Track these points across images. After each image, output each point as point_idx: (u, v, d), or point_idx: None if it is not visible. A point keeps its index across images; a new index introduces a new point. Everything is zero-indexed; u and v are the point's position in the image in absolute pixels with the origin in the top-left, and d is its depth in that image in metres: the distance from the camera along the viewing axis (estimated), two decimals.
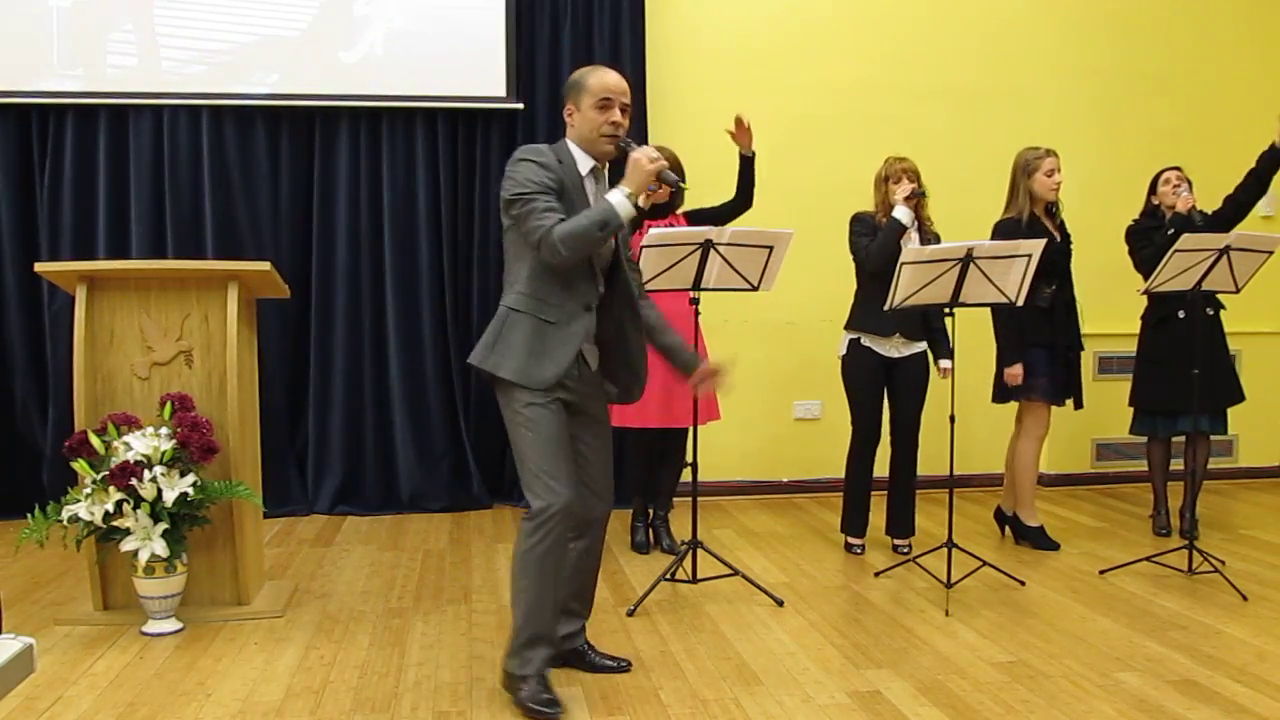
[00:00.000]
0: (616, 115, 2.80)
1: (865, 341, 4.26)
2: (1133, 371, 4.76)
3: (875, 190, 4.30)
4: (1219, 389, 4.54)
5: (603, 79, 2.82)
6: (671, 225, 4.30)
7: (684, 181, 4.09)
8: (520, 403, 2.76)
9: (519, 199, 2.73)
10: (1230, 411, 4.73)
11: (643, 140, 5.16)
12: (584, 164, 2.84)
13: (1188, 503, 4.55)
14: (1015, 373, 4.30)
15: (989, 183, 4.61)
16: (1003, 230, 4.31)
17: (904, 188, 4.17)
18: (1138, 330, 4.75)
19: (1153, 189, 4.63)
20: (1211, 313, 4.55)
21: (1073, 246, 4.48)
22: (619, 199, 2.71)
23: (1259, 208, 5.28)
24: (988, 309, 4.29)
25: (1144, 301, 4.66)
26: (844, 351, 4.32)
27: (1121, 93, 5.86)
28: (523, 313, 2.79)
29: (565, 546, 2.80)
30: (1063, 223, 4.44)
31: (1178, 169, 4.57)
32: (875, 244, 4.19)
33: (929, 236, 4.26)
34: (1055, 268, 4.25)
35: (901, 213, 4.15)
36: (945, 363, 4.25)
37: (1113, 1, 5.84)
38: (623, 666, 3.07)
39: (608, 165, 2.92)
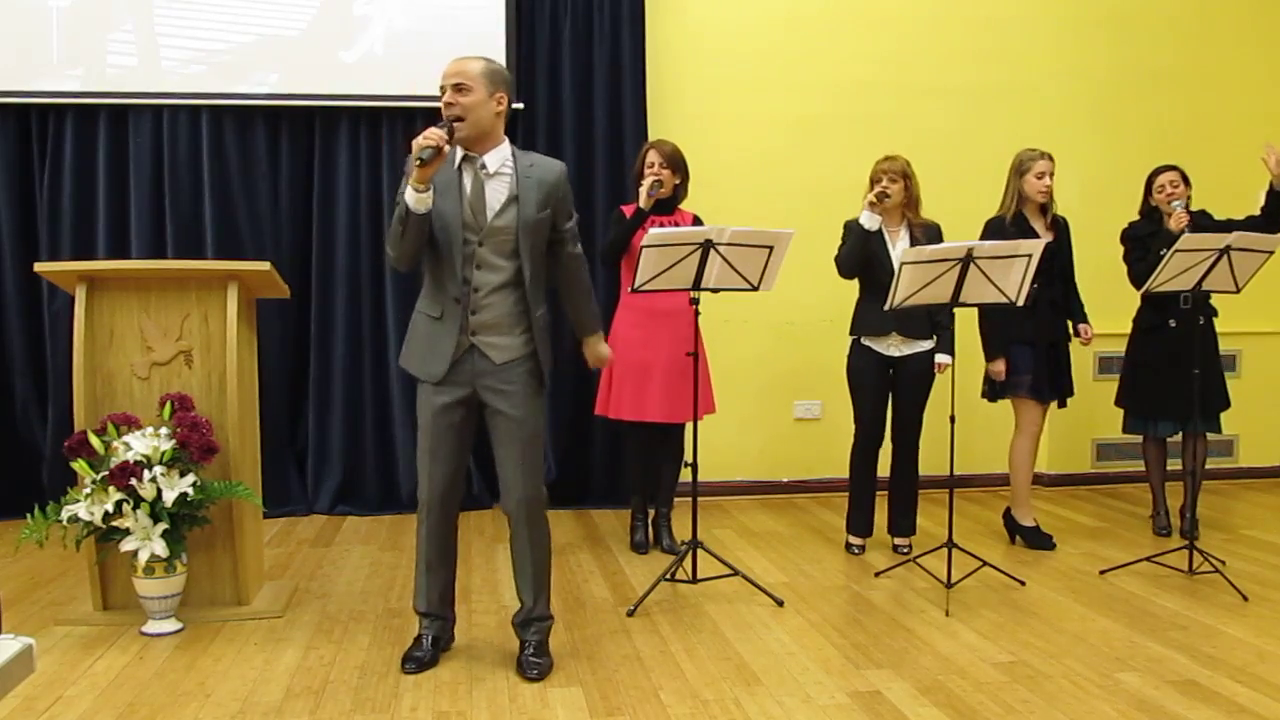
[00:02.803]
0: (448, 97, 2.88)
1: (866, 342, 4.27)
2: (1120, 373, 4.78)
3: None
4: (1207, 395, 4.53)
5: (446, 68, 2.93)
6: (675, 224, 4.29)
7: (657, 186, 4.14)
8: (420, 395, 3.04)
9: None
10: (1230, 411, 4.73)
11: (642, 139, 5.17)
12: (459, 155, 2.95)
13: (1187, 503, 4.56)
14: (998, 369, 4.34)
15: (989, 183, 4.61)
16: (988, 229, 4.36)
17: (873, 191, 4.17)
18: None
19: (1149, 189, 4.63)
20: (1203, 320, 4.55)
21: (1071, 244, 4.48)
22: (405, 190, 2.84)
23: (1259, 207, 5.26)
24: (974, 308, 4.30)
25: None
26: (849, 352, 4.33)
27: (1121, 92, 5.86)
28: (419, 311, 3.05)
29: (444, 533, 3.09)
30: (1056, 220, 4.44)
31: (1175, 170, 4.56)
32: (843, 250, 4.21)
33: (919, 236, 4.25)
34: (1042, 266, 4.25)
35: (865, 218, 4.16)
36: (943, 358, 4.26)
37: (1113, 1, 5.84)
38: (531, 676, 3.02)
39: (501, 150, 2.97)
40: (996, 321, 4.31)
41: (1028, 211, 4.40)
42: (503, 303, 2.94)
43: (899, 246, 4.17)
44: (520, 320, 2.97)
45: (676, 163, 4.32)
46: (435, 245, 2.94)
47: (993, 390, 4.47)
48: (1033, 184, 4.34)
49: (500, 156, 2.96)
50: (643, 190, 4.20)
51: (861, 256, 4.18)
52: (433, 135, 2.77)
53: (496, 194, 2.94)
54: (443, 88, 2.89)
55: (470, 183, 2.93)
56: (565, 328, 5.25)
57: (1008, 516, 4.65)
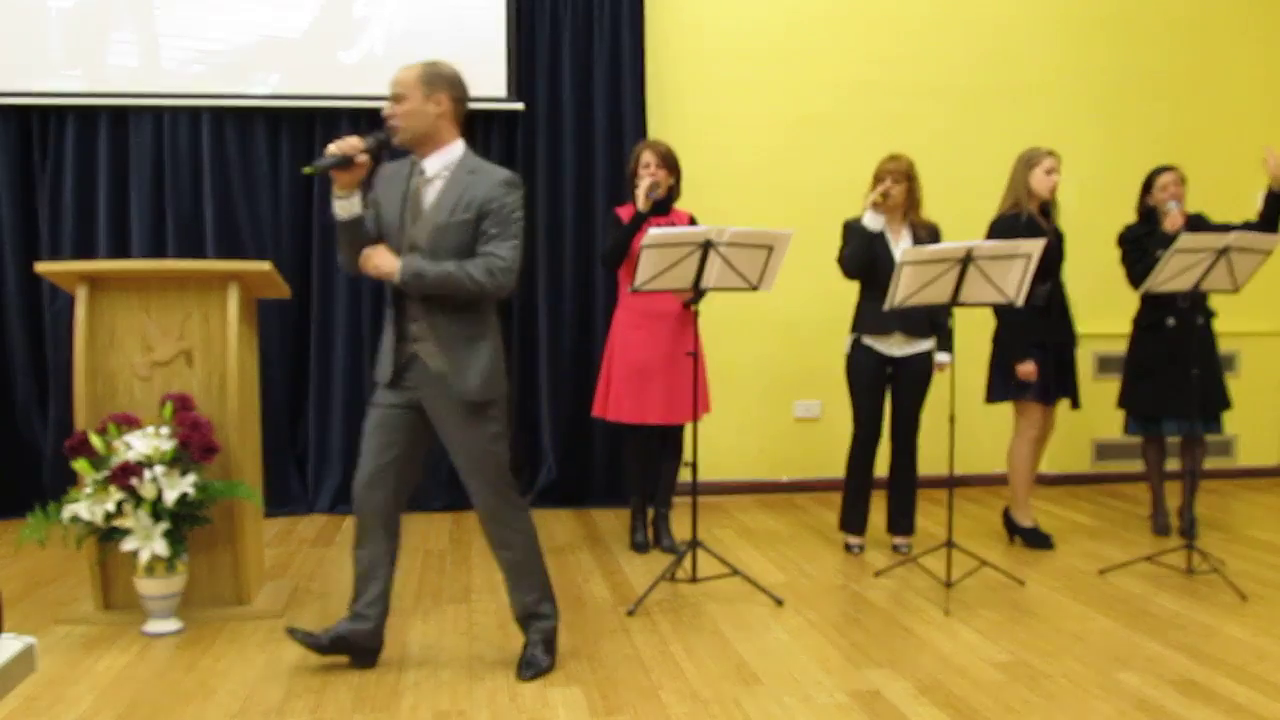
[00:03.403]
0: (385, 108, 2.91)
1: (867, 340, 4.27)
2: (1122, 374, 4.78)
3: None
4: (1207, 395, 4.54)
5: None
6: (671, 224, 4.29)
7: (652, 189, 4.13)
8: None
9: None
10: (1230, 411, 4.73)
11: (640, 137, 5.17)
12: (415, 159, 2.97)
13: (1186, 503, 4.57)
14: (1028, 369, 4.29)
15: (989, 183, 4.61)
16: (1001, 227, 4.32)
17: (875, 190, 4.18)
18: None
19: (1147, 189, 4.63)
20: (1202, 320, 4.55)
21: (1065, 247, 4.48)
22: (333, 200, 2.87)
23: (1258, 207, 5.27)
24: (989, 310, 4.30)
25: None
26: (848, 351, 4.33)
27: (1122, 93, 5.87)
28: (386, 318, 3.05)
29: (372, 533, 3.07)
30: (1055, 224, 4.45)
31: (1175, 171, 4.56)
32: (847, 251, 4.22)
33: (921, 235, 4.26)
34: (1051, 267, 4.26)
35: (869, 218, 4.17)
36: (943, 357, 4.27)
37: (1113, 2, 5.85)
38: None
39: (454, 152, 2.96)
40: (1017, 323, 4.29)
41: (1032, 209, 4.38)
42: (440, 311, 2.91)
43: (901, 246, 4.17)
44: (461, 330, 2.92)
45: (671, 162, 4.32)
46: None
47: (995, 392, 4.46)
48: (1041, 179, 4.33)
49: (442, 161, 2.94)
50: (641, 193, 4.19)
51: (866, 257, 4.18)
52: (345, 144, 2.81)
53: (429, 199, 2.93)
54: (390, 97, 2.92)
55: (407, 188, 2.95)
56: (566, 327, 5.32)
57: (1007, 516, 4.66)
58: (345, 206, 2.86)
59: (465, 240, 2.89)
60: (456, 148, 2.96)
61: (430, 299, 2.90)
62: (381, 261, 2.88)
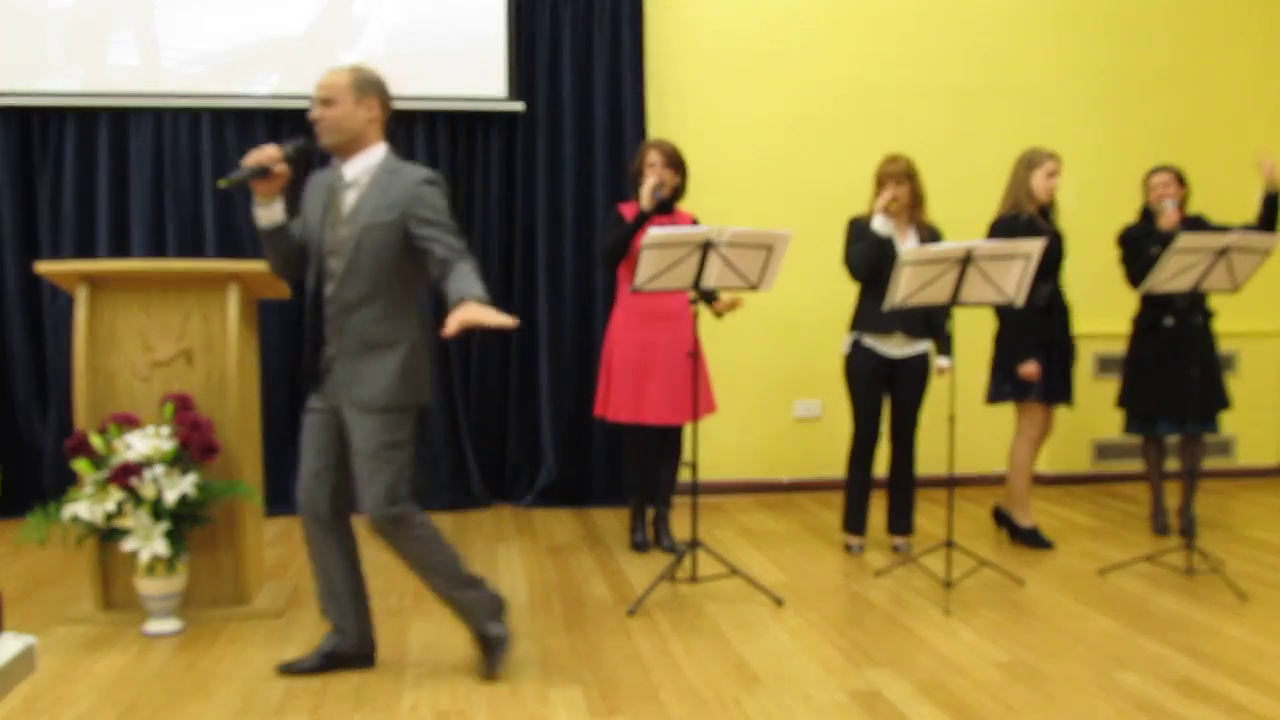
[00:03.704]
0: (313, 111, 2.88)
1: (868, 341, 4.27)
2: (1121, 374, 4.79)
3: (874, 189, 4.31)
4: (1206, 394, 4.54)
5: None
6: (673, 224, 4.29)
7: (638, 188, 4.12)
8: None
9: None
10: (1229, 411, 4.73)
11: (640, 137, 5.18)
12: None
13: (1185, 502, 4.57)
14: (1031, 369, 4.29)
15: (989, 183, 4.62)
16: (1000, 228, 4.33)
17: (882, 196, 4.18)
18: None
19: (1146, 188, 4.64)
20: (1201, 320, 4.55)
21: (1065, 247, 4.48)
22: (254, 208, 2.87)
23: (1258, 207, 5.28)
24: (989, 310, 4.30)
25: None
26: (847, 351, 4.33)
27: (1121, 93, 5.87)
28: None
29: (317, 540, 3.01)
30: (1055, 224, 4.45)
31: (1168, 171, 4.56)
32: (856, 255, 4.22)
33: (925, 235, 4.28)
34: (1051, 267, 4.26)
35: (879, 223, 4.17)
36: (944, 361, 4.27)
37: (1113, 1, 5.85)
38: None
39: (370, 155, 2.93)
40: (1020, 324, 4.29)
41: (1032, 211, 4.39)
42: (351, 318, 2.87)
43: (908, 246, 4.17)
44: (369, 337, 2.87)
45: (677, 162, 4.32)
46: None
47: (996, 393, 4.46)
48: (1042, 181, 4.33)
49: (362, 166, 2.90)
50: (645, 192, 4.18)
51: (875, 260, 4.18)
52: (263, 154, 2.78)
53: (346, 204, 2.89)
54: (314, 100, 2.88)
55: (327, 193, 2.92)
56: (566, 327, 5.32)
57: (998, 513, 4.65)
58: (267, 215, 2.85)
59: (390, 240, 2.84)
60: (378, 151, 2.94)
61: (344, 305, 2.85)
62: (481, 316, 2.68)
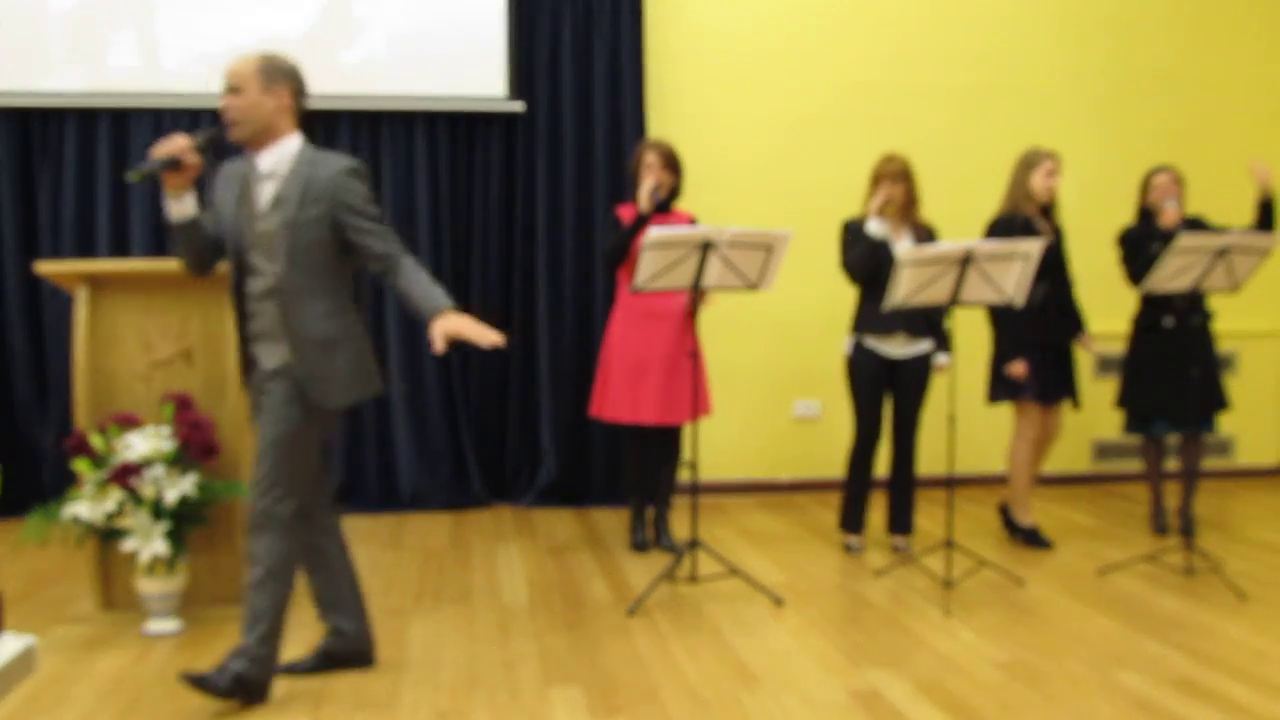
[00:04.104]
0: (221, 100, 2.79)
1: (869, 342, 4.27)
2: (1121, 373, 4.79)
3: (869, 189, 4.31)
4: (1205, 394, 4.54)
5: None
6: (672, 223, 4.29)
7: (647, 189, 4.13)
8: None
9: None
10: (1229, 411, 4.74)
11: (640, 137, 5.17)
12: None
13: (1185, 502, 4.58)
14: (1019, 369, 4.31)
15: (989, 183, 4.62)
16: (997, 228, 4.34)
17: (877, 197, 4.18)
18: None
19: (1145, 189, 4.64)
20: (1200, 321, 4.55)
21: (1067, 247, 4.48)
22: (165, 202, 2.79)
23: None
24: (983, 308, 4.31)
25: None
26: (849, 352, 4.33)
27: (1121, 93, 5.87)
28: None
29: (311, 539, 2.94)
30: (1056, 227, 4.46)
31: (1169, 171, 4.57)
32: (853, 257, 4.22)
33: (921, 235, 4.28)
34: (1048, 267, 4.26)
35: (874, 226, 4.17)
36: (943, 358, 4.28)
37: (1112, 1, 5.85)
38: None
39: (283, 148, 2.82)
40: (1010, 323, 4.30)
41: (1030, 211, 4.39)
42: (270, 310, 2.78)
43: (904, 247, 4.17)
44: (285, 330, 2.76)
45: (674, 162, 4.32)
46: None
47: (996, 392, 4.47)
48: (1041, 181, 4.34)
49: (277, 156, 2.80)
50: (644, 194, 4.18)
51: (872, 263, 4.18)
52: (172, 146, 2.71)
53: (264, 196, 2.79)
54: (223, 90, 2.79)
55: (242, 186, 2.83)
56: (566, 327, 5.33)
57: (1005, 513, 4.66)
58: (178, 209, 2.77)
59: (321, 237, 2.75)
60: (293, 142, 2.82)
61: (282, 297, 2.75)
62: (466, 329, 2.63)
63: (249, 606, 2.77)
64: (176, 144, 2.73)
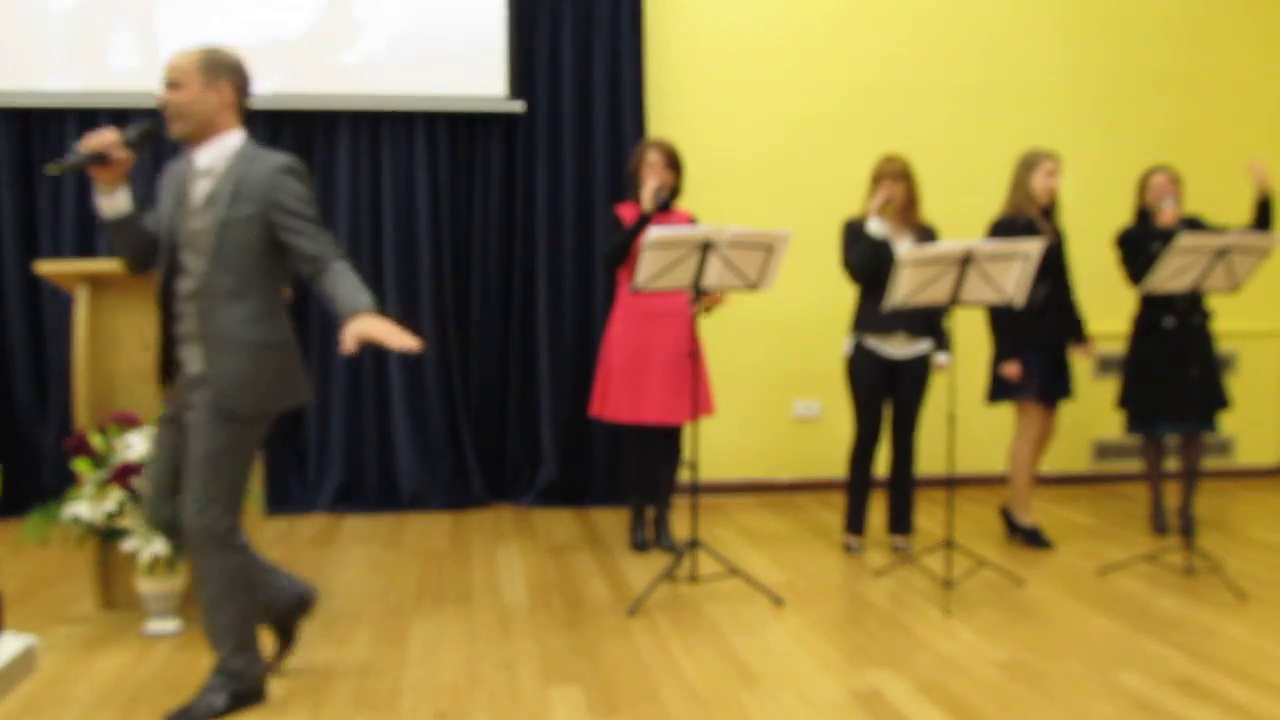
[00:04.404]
0: (162, 95, 2.70)
1: (870, 343, 4.26)
2: (1121, 374, 4.79)
3: (869, 189, 4.31)
4: (1205, 394, 4.54)
5: None
6: (672, 223, 4.29)
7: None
8: None
9: None
10: (1229, 411, 4.74)
11: (640, 137, 5.17)
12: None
13: (1185, 502, 4.58)
14: (1012, 370, 4.32)
15: (989, 183, 4.62)
16: (998, 228, 4.35)
17: (878, 196, 4.18)
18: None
19: (1142, 190, 4.64)
20: (1200, 320, 4.55)
21: (1068, 248, 4.48)
22: (96, 198, 2.70)
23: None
24: (982, 308, 4.31)
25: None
26: (849, 352, 4.33)
27: (1121, 93, 5.87)
28: None
29: (222, 559, 2.73)
30: (1057, 225, 4.46)
31: (1166, 171, 4.57)
32: (852, 257, 4.22)
33: (921, 235, 4.28)
34: (1049, 268, 4.26)
35: (874, 225, 4.17)
36: (942, 357, 4.28)
37: (1113, 1, 5.85)
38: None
39: (225, 143, 2.72)
40: (1008, 323, 4.31)
41: (1032, 212, 4.40)
42: (199, 312, 2.68)
43: (904, 246, 4.17)
44: (242, 339, 2.68)
45: (676, 162, 4.32)
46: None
47: (996, 392, 4.47)
48: (1041, 182, 4.35)
49: (215, 153, 2.70)
50: (647, 194, 4.18)
51: (874, 263, 4.18)
52: (99, 139, 2.60)
53: (199, 194, 2.69)
54: (163, 84, 2.71)
55: (179, 182, 2.74)
56: (566, 327, 5.33)
57: (1006, 514, 4.66)
58: (110, 205, 2.67)
59: (253, 238, 2.66)
60: (234, 138, 2.73)
61: (207, 299, 2.66)
62: (378, 332, 2.55)
63: (212, 626, 2.73)
64: (104, 138, 2.61)
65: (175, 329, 2.74)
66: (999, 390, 4.46)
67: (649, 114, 5.37)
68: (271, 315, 2.74)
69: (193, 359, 2.71)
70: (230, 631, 2.73)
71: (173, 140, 2.74)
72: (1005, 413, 4.62)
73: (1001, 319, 4.32)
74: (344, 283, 2.64)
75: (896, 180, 4.21)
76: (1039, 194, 4.36)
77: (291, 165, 2.73)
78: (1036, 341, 4.36)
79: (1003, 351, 4.36)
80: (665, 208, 4.33)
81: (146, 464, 2.85)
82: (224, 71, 2.72)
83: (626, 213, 4.32)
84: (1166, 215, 4.35)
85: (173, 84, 2.69)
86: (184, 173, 2.74)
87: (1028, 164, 4.38)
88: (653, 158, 4.27)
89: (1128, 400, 4.75)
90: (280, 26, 5.11)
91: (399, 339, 2.52)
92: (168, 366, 2.77)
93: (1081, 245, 4.63)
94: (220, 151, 2.71)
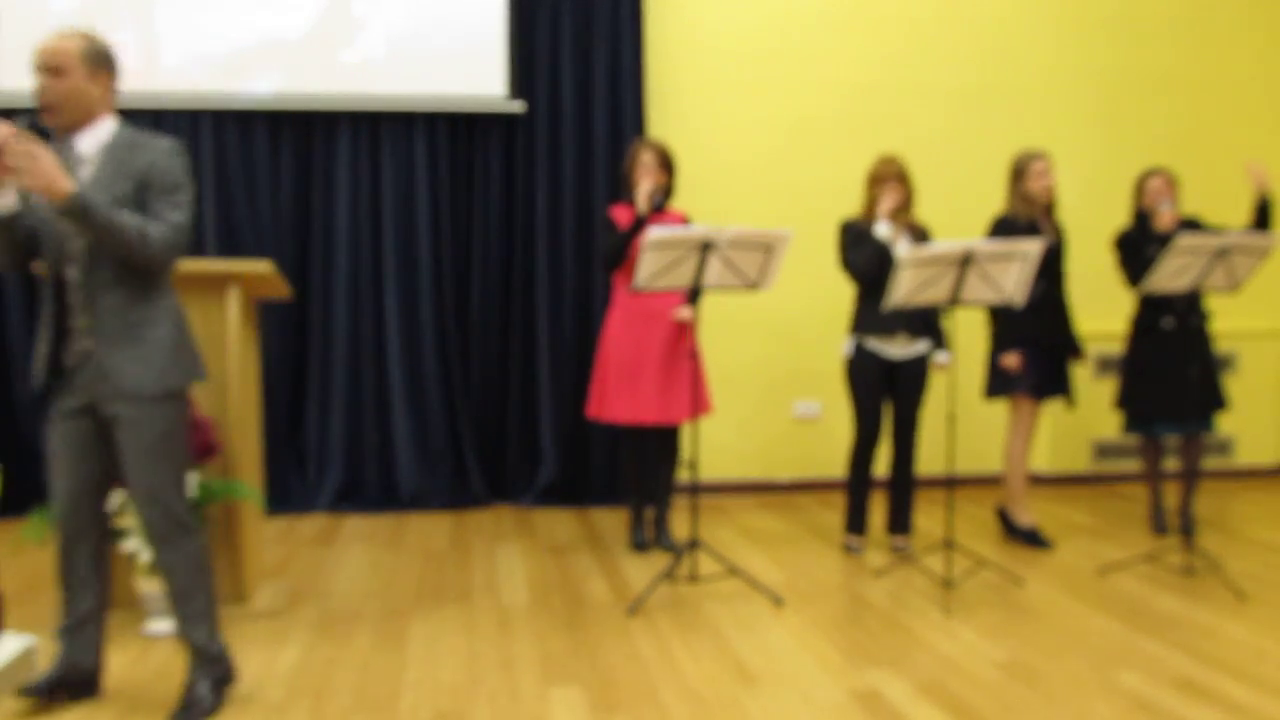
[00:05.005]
0: (41, 81, 2.60)
1: (870, 344, 4.26)
2: (1120, 374, 4.79)
3: (866, 190, 4.31)
4: (1204, 394, 4.54)
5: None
6: (665, 224, 4.29)
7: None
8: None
9: None
10: (1229, 411, 4.73)
11: (638, 135, 5.17)
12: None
13: (1185, 502, 4.58)
14: (1012, 361, 4.32)
15: (988, 183, 4.63)
16: (997, 228, 4.36)
17: (888, 199, 4.17)
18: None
19: (1139, 192, 4.64)
20: (1198, 321, 4.55)
21: (1066, 247, 4.48)
22: None
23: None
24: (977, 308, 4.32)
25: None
26: (849, 354, 4.33)
27: (1121, 93, 5.87)
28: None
29: (74, 557, 2.72)
30: (1056, 226, 4.46)
31: (1162, 174, 4.56)
32: (860, 260, 4.21)
33: (917, 235, 4.28)
34: (1046, 267, 4.26)
35: (882, 228, 4.17)
36: (941, 357, 4.28)
37: (1113, 1, 5.85)
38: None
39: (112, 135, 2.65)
40: (1004, 316, 4.32)
41: (1035, 213, 4.40)
42: (105, 301, 2.61)
43: (902, 246, 4.17)
44: (129, 319, 2.62)
45: (669, 162, 4.32)
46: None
47: (993, 387, 4.48)
48: (1035, 184, 4.35)
49: (95, 140, 2.64)
50: (642, 195, 4.18)
51: (878, 264, 4.18)
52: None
53: (81, 180, 2.61)
54: (37, 69, 2.59)
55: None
56: (566, 327, 5.33)
57: (1003, 514, 4.66)
58: (2, 205, 2.57)
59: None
60: (109, 124, 2.68)
61: (95, 287, 2.60)
62: (54, 175, 2.43)
63: (186, 615, 2.73)
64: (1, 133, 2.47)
65: (75, 320, 2.64)
66: (996, 385, 4.46)
67: (649, 114, 5.37)
68: (158, 290, 2.67)
69: (95, 347, 2.62)
70: (204, 616, 2.76)
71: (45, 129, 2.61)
72: (1004, 412, 4.62)
73: (999, 312, 4.33)
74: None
75: (900, 182, 4.21)
76: (1036, 195, 4.36)
77: (173, 147, 2.68)
78: (1029, 337, 4.36)
79: (1001, 344, 4.38)
80: (659, 208, 4.33)
81: (51, 467, 2.70)
82: (105, 62, 2.69)
83: (620, 214, 4.32)
84: (1164, 219, 4.35)
85: (53, 70, 2.59)
86: (63, 160, 2.63)
87: (1019, 169, 4.40)
88: (646, 158, 4.27)
89: (1126, 400, 4.75)
90: (280, 26, 5.10)
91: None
92: (57, 360, 2.66)
93: (1082, 245, 4.63)
94: (99, 137, 2.65)
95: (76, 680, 2.80)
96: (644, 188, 4.18)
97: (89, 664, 2.82)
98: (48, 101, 2.61)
